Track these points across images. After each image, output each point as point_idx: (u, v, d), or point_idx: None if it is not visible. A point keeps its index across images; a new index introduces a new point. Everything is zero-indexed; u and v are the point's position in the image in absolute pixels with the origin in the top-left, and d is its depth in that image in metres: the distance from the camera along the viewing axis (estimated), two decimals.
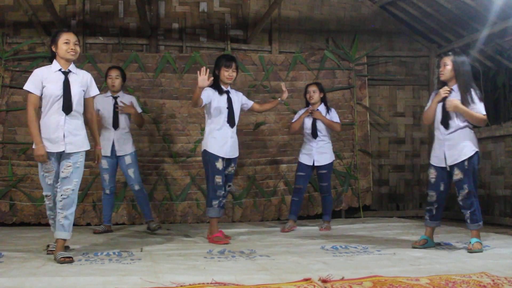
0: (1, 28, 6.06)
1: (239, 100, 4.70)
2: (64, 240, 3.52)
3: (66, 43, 3.54)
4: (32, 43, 5.99)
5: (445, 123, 3.87)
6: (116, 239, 4.68)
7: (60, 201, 3.48)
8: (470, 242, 3.80)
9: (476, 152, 3.83)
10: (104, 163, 4.94)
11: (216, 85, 4.51)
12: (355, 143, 6.62)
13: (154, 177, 6.05)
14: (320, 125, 5.27)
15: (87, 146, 3.64)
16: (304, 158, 5.31)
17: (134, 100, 5.20)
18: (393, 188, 6.91)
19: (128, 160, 5.01)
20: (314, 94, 5.26)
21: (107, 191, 5.05)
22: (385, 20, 6.99)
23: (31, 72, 5.76)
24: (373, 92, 6.89)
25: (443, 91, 3.88)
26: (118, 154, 4.98)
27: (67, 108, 3.51)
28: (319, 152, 5.26)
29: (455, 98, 3.83)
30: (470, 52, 6.36)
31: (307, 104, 5.38)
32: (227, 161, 4.52)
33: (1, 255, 3.63)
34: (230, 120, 4.53)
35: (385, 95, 6.98)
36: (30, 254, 3.68)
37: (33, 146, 3.50)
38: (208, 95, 4.43)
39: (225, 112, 4.51)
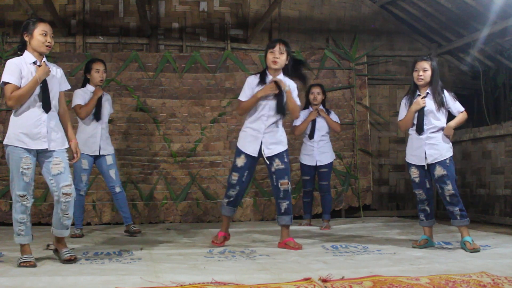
0: (1, 28, 6.07)
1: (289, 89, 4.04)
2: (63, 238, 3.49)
3: (44, 34, 3.24)
4: None
5: (421, 129, 3.95)
6: (116, 238, 4.68)
7: (65, 203, 3.31)
8: (467, 241, 3.78)
9: (451, 154, 3.96)
10: (85, 163, 4.64)
11: (261, 76, 4.07)
12: (355, 143, 6.61)
13: (154, 176, 6.05)
14: (320, 125, 5.34)
15: (67, 144, 3.46)
16: (306, 159, 5.41)
17: (110, 98, 4.95)
18: (393, 188, 6.91)
19: (109, 160, 4.77)
20: (318, 96, 5.38)
21: (82, 192, 4.71)
22: (385, 19, 6.99)
23: None
24: (373, 92, 6.89)
25: (422, 102, 3.93)
26: (102, 153, 4.73)
27: (46, 105, 3.27)
28: (320, 152, 5.35)
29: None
30: (471, 51, 6.36)
31: (308, 104, 5.42)
32: (268, 159, 4.01)
33: (1, 254, 3.63)
34: (279, 109, 3.97)
35: (385, 95, 6.98)
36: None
37: (36, 75, 3.21)
38: (252, 90, 4.02)
39: (269, 102, 3.98)
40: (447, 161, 3.88)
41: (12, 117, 3.30)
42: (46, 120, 3.29)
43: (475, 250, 3.70)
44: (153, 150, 6.11)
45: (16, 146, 3.22)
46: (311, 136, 5.33)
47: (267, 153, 4.00)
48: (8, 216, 5.62)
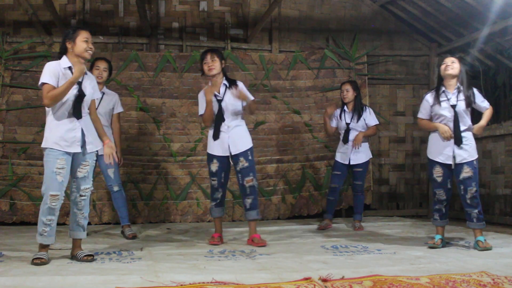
0: (1, 27, 6.06)
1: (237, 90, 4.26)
2: (81, 239, 3.59)
3: (86, 41, 3.45)
4: (32, 42, 5.99)
5: (459, 141, 3.87)
6: (116, 238, 4.68)
7: (80, 202, 3.50)
8: (479, 240, 3.81)
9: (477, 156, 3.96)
10: None
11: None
12: None
13: (154, 176, 6.05)
14: (354, 125, 5.22)
15: (100, 145, 3.62)
16: (340, 157, 5.29)
17: (117, 98, 4.87)
18: (393, 187, 6.91)
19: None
20: (348, 93, 5.23)
21: None
22: (385, 19, 6.99)
23: (31, 71, 5.86)
24: (373, 91, 6.88)
25: (446, 134, 3.89)
26: (100, 152, 4.51)
27: (77, 112, 3.40)
28: (355, 151, 5.22)
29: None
30: (471, 51, 6.36)
31: (342, 103, 5.32)
32: (233, 159, 4.25)
33: (1, 254, 3.63)
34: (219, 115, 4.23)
35: (385, 94, 6.97)
36: (30, 253, 3.67)
37: (75, 75, 3.35)
38: (202, 103, 4.26)
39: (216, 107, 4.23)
40: (475, 162, 3.87)
41: (48, 122, 3.42)
42: (81, 125, 3.44)
43: (486, 248, 3.73)
44: (153, 149, 6.11)
45: (53, 149, 3.36)
46: (345, 140, 5.22)
47: (233, 151, 4.20)
48: (8, 216, 5.62)
